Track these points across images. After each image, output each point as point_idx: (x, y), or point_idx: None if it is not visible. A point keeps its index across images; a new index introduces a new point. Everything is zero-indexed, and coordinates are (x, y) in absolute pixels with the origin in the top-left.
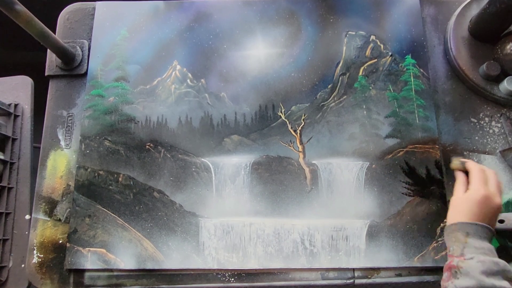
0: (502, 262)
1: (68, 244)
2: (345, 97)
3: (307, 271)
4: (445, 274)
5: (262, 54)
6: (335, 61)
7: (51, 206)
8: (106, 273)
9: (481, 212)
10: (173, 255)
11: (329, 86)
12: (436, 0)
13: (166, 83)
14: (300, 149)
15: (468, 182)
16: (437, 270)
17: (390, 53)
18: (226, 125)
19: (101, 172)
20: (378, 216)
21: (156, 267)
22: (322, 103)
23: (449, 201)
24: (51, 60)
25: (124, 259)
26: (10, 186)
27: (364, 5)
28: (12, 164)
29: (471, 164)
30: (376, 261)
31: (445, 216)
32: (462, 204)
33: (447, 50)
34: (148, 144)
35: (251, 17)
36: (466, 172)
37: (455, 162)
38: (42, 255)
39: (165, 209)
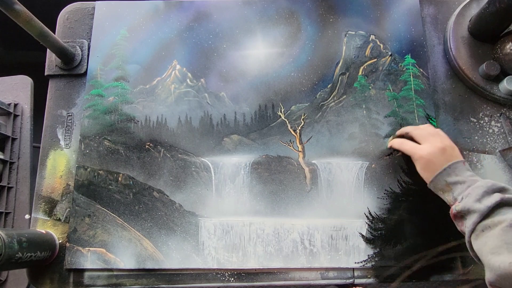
0: (483, 183)
1: (67, 244)
2: (344, 96)
3: (307, 271)
4: (456, 223)
5: (261, 53)
6: (334, 60)
7: (50, 205)
8: (105, 273)
9: (442, 159)
10: (173, 255)
11: (329, 85)
12: None
13: (166, 82)
14: (300, 149)
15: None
16: (438, 269)
17: (389, 53)
18: (226, 124)
19: (100, 172)
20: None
21: (156, 267)
22: (322, 103)
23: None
24: (51, 60)
25: (124, 258)
26: (10, 185)
27: (364, 4)
28: (11, 163)
29: (404, 130)
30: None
31: (444, 217)
32: (425, 169)
33: (446, 50)
34: (148, 143)
35: (251, 17)
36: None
37: (389, 142)
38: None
39: (165, 209)
